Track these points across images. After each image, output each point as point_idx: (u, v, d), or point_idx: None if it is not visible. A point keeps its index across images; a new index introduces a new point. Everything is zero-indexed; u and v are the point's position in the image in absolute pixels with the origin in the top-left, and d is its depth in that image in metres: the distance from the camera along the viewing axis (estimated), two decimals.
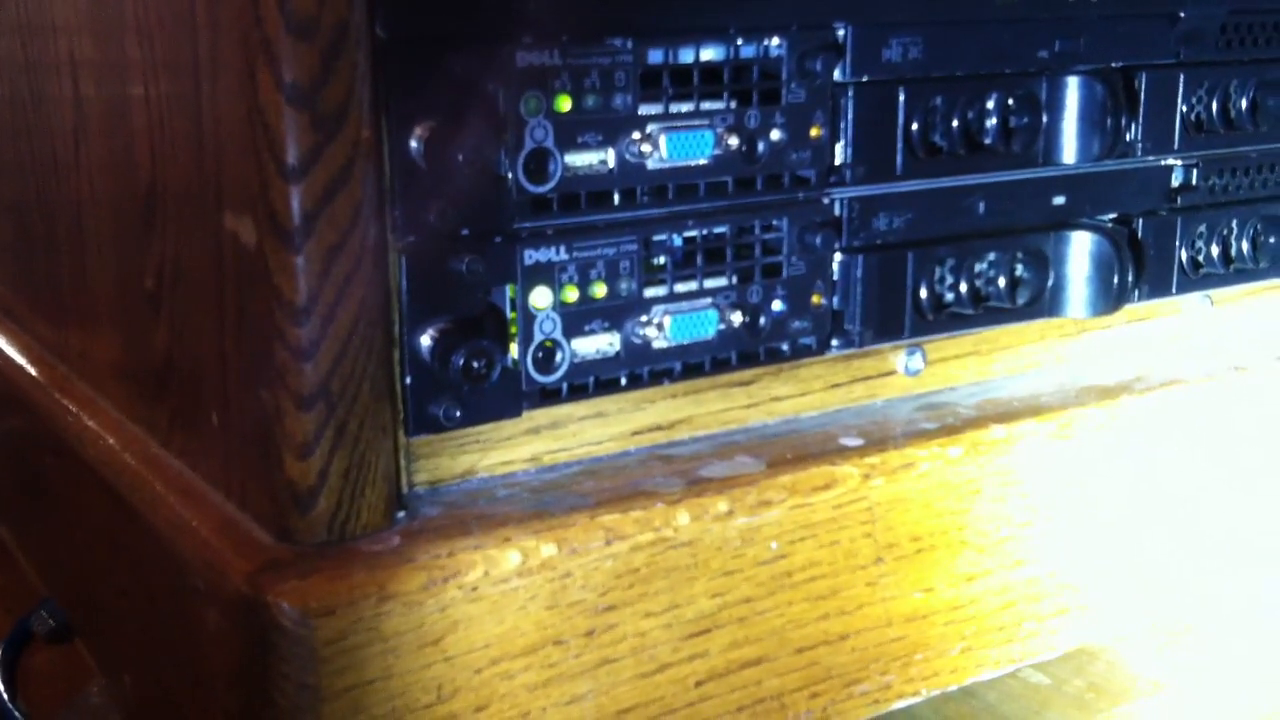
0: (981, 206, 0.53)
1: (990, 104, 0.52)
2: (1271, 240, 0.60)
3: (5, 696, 0.62)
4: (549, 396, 0.45)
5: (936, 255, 0.52)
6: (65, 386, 0.60)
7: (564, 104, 0.43)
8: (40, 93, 0.60)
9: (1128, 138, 0.56)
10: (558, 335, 0.45)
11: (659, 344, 0.46)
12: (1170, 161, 0.58)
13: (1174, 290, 0.59)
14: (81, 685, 0.63)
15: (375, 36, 0.39)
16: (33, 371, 0.64)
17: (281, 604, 0.38)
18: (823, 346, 0.50)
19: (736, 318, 0.48)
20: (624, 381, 0.46)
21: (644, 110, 0.45)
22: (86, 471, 0.53)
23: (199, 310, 0.45)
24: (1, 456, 0.74)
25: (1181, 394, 0.56)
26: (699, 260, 0.47)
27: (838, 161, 0.49)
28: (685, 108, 0.46)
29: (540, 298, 0.44)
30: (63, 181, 0.58)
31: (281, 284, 0.39)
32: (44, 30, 0.58)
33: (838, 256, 0.50)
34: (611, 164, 0.45)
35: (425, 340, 0.42)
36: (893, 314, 0.51)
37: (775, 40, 0.47)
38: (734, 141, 0.47)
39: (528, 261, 0.43)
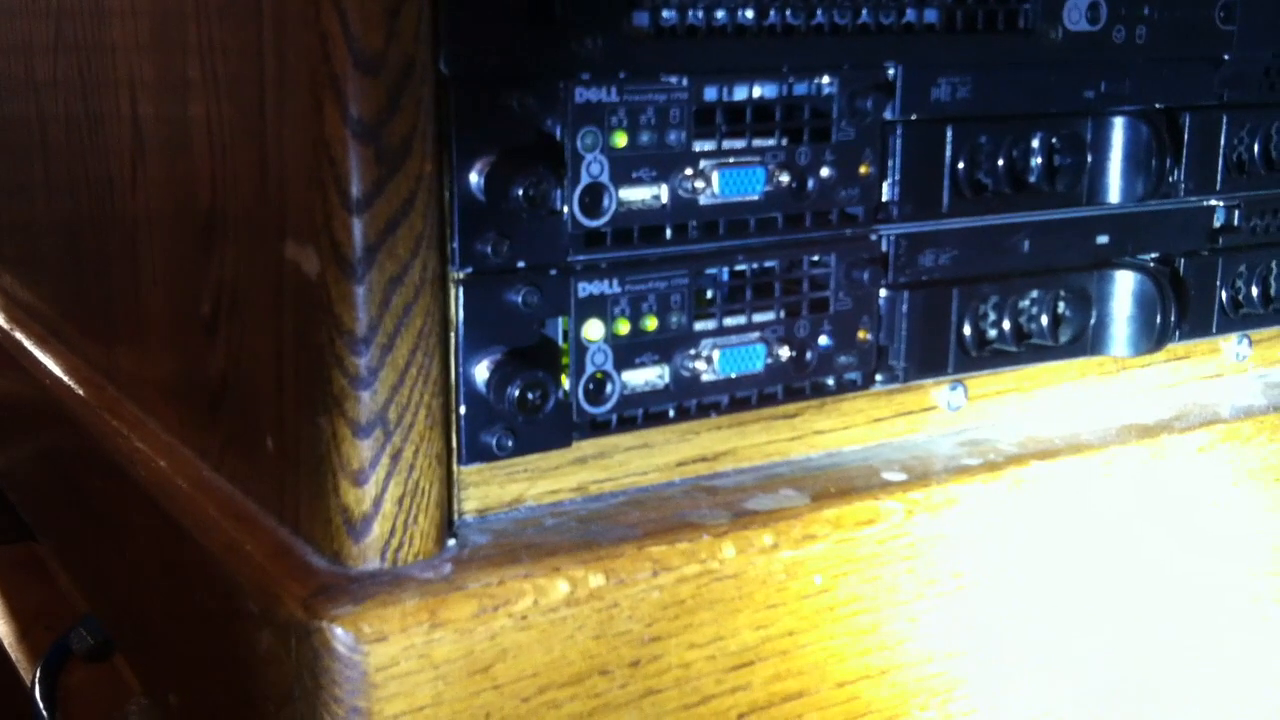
0: (1026, 245, 0.53)
1: (1036, 143, 0.52)
2: None
3: (45, 714, 0.62)
4: (599, 428, 0.45)
5: (980, 292, 0.52)
6: (114, 407, 0.60)
7: (620, 140, 0.44)
8: (97, 113, 0.60)
9: (1171, 178, 0.56)
10: (609, 367, 0.45)
11: (707, 377, 0.47)
12: (1212, 202, 0.58)
13: (1214, 330, 0.59)
14: (119, 703, 0.63)
15: (439, 73, 0.40)
16: (80, 392, 0.65)
17: (336, 629, 0.39)
18: (867, 381, 0.51)
19: (784, 352, 0.48)
20: (672, 414, 0.47)
21: (697, 147, 0.46)
22: (137, 492, 0.54)
23: (256, 336, 0.46)
24: (47, 475, 0.75)
25: (1221, 433, 0.56)
26: (748, 295, 0.48)
27: (885, 199, 0.50)
28: (738, 145, 0.46)
29: (593, 330, 0.44)
30: (118, 202, 0.59)
31: (342, 313, 0.39)
32: (102, 50, 0.59)
33: (883, 292, 0.51)
34: (665, 199, 0.45)
35: (481, 371, 0.42)
36: (937, 350, 0.52)
37: (827, 79, 0.48)
38: (785, 178, 0.47)
39: (581, 294, 0.44)
